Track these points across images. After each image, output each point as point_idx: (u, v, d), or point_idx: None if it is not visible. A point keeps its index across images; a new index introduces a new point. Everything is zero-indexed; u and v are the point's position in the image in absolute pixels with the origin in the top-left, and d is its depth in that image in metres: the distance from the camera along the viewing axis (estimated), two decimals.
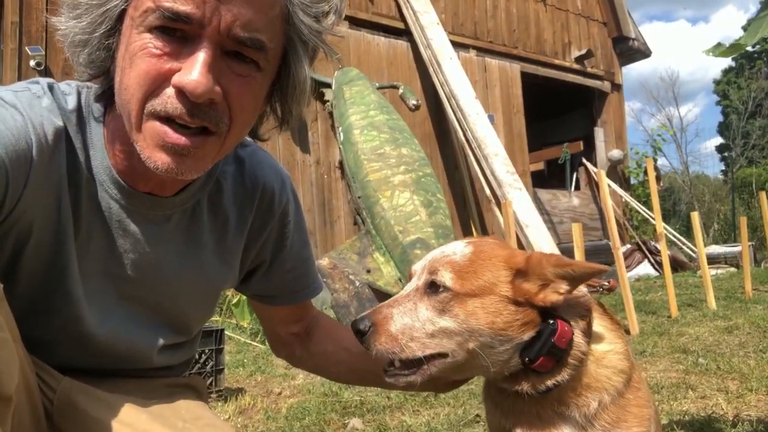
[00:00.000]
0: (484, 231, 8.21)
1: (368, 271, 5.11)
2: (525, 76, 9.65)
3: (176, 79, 0.83)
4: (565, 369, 0.96)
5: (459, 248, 0.98)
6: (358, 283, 4.90)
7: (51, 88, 0.97)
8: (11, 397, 0.79)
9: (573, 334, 0.95)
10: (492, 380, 1.03)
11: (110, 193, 0.99)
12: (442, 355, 0.93)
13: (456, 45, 8.32)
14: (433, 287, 0.94)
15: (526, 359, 0.93)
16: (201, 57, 0.83)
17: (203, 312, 1.24)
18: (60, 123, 0.94)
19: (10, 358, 0.80)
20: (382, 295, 4.96)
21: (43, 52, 5.74)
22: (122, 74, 0.87)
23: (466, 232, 8.02)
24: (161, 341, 1.13)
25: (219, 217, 1.13)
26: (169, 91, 0.84)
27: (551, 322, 0.93)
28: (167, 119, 0.85)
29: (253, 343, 4.49)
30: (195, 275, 1.12)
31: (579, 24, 10.87)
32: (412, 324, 0.92)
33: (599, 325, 1.03)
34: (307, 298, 1.33)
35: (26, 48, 5.66)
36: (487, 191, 7.17)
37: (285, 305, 1.31)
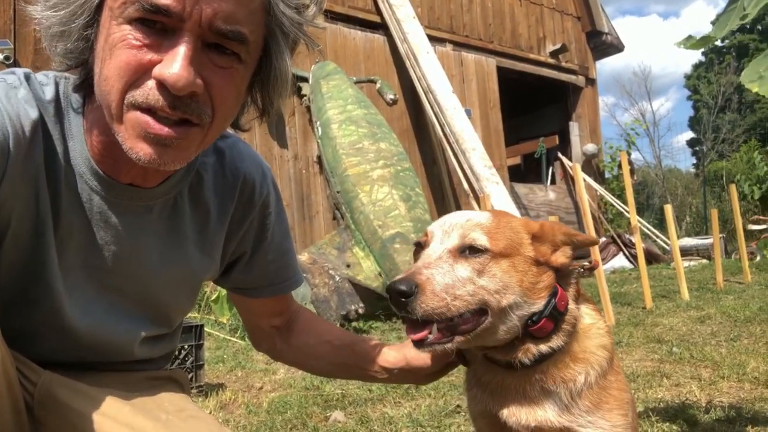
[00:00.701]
0: None
1: (348, 266, 5.11)
2: (501, 71, 9.72)
3: (157, 71, 0.83)
4: (559, 335, 1.00)
5: (480, 215, 1.03)
6: (338, 278, 4.89)
7: (27, 78, 0.95)
8: None
9: (568, 298, 1.00)
10: (490, 352, 1.05)
11: (90, 185, 0.98)
12: (482, 314, 0.96)
13: (432, 39, 8.33)
14: (468, 249, 0.97)
15: (529, 321, 0.98)
16: (182, 50, 0.82)
17: (184, 303, 1.23)
18: (37, 114, 0.92)
19: None
20: (362, 290, 4.97)
21: (12, 46, 5.61)
22: (102, 65, 0.86)
23: None
24: (142, 333, 1.13)
25: (200, 208, 1.13)
26: (150, 83, 0.84)
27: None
28: (149, 110, 0.85)
29: (232, 339, 4.46)
30: (176, 267, 1.12)
31: (553, 18, 10.97)
32: (453, 284, 0.94)
33: (582, 304, 1.07)
34: (288, 290, 1.33)
35: None
36: (465, 185, 7.21)
37: (266, 297, 1.30)
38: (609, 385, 1.03)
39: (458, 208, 8.31)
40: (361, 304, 4.79)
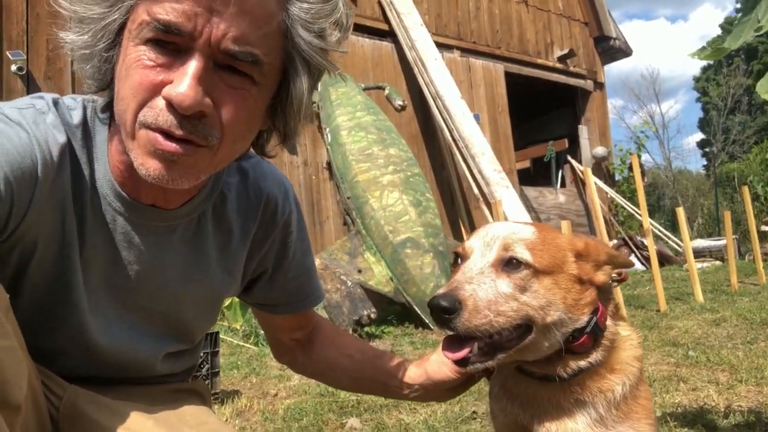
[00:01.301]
0: (472, 229, 8.25)
1: (359, 271, 5.11)
2: (509, 76, 9.72)
3: (165, 91, 0.84)
4: (598, 350, 1.00)
5: (524, 228, 1.01)
6: (350, 283, 4.90)
7: (56, 103, 0.97)
8: (20, 406, 0.79)
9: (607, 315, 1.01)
10: (525, 365, 1.04)
11: (114, 206, 1.00)
12: (526, 330, 0.95)
13: (440, 46, 8.35)
14: (510, 264, 0.95)
15: (570, 337, 0.97)
16: (190, 69, 0.83)
17: (206, 321, 1.24)
18: (64, 139, 0.94)
19: (19, 367, 0.80)
20: (373, 295, 4.97)
21: (25, 57, 5.68)
22: (119, 85, 0.88)
23: (455, 231, 8.06)
24: (165, 350, 1.14)
25: (223, 227, 1.14)
26: (161, 102, 0.85)
27: None
28: (158, 129, 0.86)
29: (246, 345, 4.47)
30: (199, 285, 1.13)
31: (561, 24, 10.97)
32: (495, 300, 0.92)
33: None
34: (308, 307, 1.33)
35: (7, 53, 5.60)
36: (475, 190, 7.21)
37: (287, 314, 1.31)
38: (638, 394, 1.03)
39: (468, 212, 8.30)
40: (373, 309, 4.79)
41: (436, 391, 1.31)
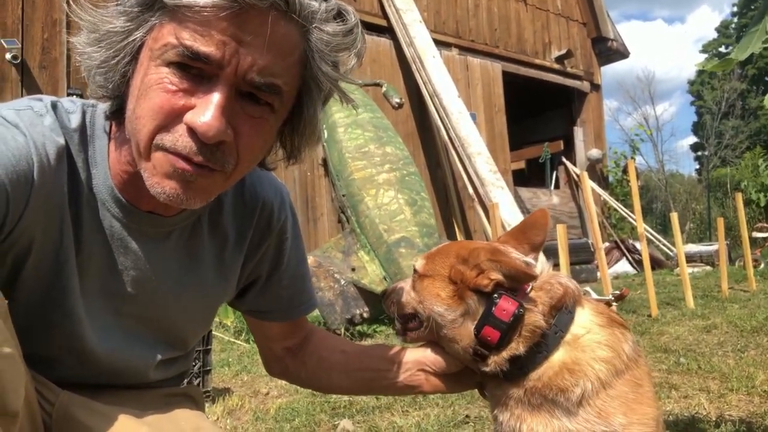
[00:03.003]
0: (466, 229, 8.26)
1: (353, 270, 5.11)
2: (506, 75, 9.72)
3: (189, 117, 0.83)
4: (519, 342, 1.07)
5: (441, 246, 1.26)
6: (343, 282, 4.89)
7: (54, 106, 0.96)
8: (18, 413, 0.78)
9: (520, 309, 1.07)
10: (474, 366, 1.17)
11: (112, 212, 0.99)
12: (418, 319, 1.21)
13: (438, 43, 8.34)
14: (414, 272, 1.24)
15: (475, 331, 1.10)
16: (216, 99, 0.83)
17: (201, 327, 1.24)
18: (62, 142, 0.93)
19: (17, 375, 0.79)
20: (367, 294, 4.96)
21: (20, 45, 5.62)
22: (136, 103, 0.87)
23: (449, 230, 8.06)
24: (158, 357, 1.13)
25: (219, 233, 1.13)
26: (181, 128, 0.84)
27: (495, 296, 1.08)
28: (175, 153, 0.86)
29: (237, 341, 4.46)
30: (194, 291, 1.13)
31: (559, 24, 10.97)
32: (400, 293, 1.25)
33: (590, 319, 1.11)
34: (302, 315, 1.33)
35: (1, 41, 5.54)
36: (470, 190, 7.21)
37: (280, 321, 1.31)
38: (624, 397, 1.04)
39: (462, 212, 8.31)
40: (366, 308, 4.79)
41: (435, 379, 1.26)
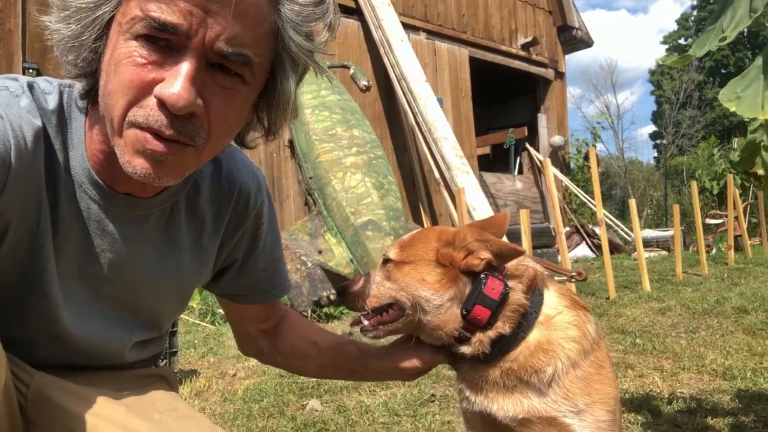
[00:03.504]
0: (432, 213, 8.33)
1: (320, 252, 5.12)
2: (473, 61, 9.76)
3: (158, 90, 0.82)
4: (505, 321, 1.09)
5: (408, 235, 1.24)
6: (309, 264, 4.90)
7: (31, 87, 0.94)
8: None
9: (506, 288, 1.09)
10: (455, 349, 1.15)
11: (89, 194, 0.98)
12: (398, 310, 1.17)
13: (406, 27, 8.31)
14: (384, 262, 1.21)
15: (464, 311, 1.10)
16: (184, 69, 0.82)
17: (176, 310, 1.24)
18: (39, 123, 0.91)
19: None
20: (333, 276, 4.99)
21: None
22: (107, 79, 0.86)
23: (415, 214, 8.12)
24: (134, 339, 1.14)
25: (196, 217, 1.14)
26: (152, 101, 0.83)
27: (482, 276, 1.10)
28: (148, 128, 0.85)
29: (202, 323, 4.44)
30: (171, 274, 1.13)
31: (525, 11, 11.06)
32: (369, 286, 1.20)
33: (557, 300, 1.15)
34: (276, 297, 1.34)
35: None
36: (436, 174, 7.26)
37: (254, 304, 1.32)
38: (590, 377, 1.08)
39: (428, 196, 8.37)
40: (333, 291, 4.81)
41: (401, 374, 1.34)
